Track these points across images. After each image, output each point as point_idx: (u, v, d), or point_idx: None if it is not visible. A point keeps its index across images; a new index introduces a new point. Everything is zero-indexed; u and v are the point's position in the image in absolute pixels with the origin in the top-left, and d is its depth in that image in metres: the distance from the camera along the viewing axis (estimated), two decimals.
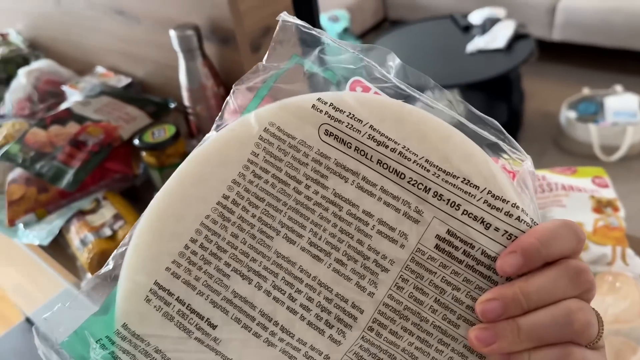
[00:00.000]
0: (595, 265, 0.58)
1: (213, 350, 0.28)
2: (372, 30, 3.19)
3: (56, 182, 0.79)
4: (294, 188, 0.29)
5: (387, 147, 0.28)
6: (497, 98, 2.23)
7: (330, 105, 0.29)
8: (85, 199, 0.81)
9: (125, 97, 0.94)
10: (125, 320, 0.29)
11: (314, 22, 0.98)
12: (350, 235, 0.28)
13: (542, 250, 0.25)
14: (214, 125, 0.32)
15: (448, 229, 0.27)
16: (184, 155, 0.43)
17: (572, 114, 2.17)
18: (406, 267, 0.27)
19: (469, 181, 0.27)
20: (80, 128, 0.85)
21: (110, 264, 0.30)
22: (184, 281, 0.29)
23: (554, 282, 0.25)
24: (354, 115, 0.29)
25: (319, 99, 0.29)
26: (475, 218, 0.27)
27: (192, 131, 0.87)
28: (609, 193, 0.65)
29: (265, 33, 0.80)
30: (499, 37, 2.17)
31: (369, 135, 0.28)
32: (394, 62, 0.31)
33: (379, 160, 0.28)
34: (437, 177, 0.27)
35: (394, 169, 0.28)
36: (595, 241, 0.59)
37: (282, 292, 0.28)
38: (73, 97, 0.99)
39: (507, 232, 0.26)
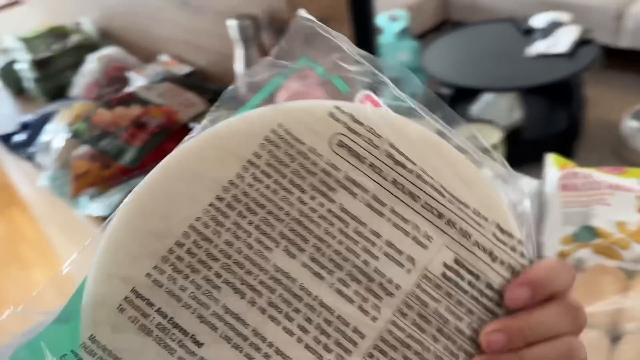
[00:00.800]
0: (637, 264, 0.57)
1: None
2: (432, 31, 3.17)
3: (118, 159, 0.84)
4: (297, 197, 0.26)
5: (404, 167, 0.27)
6: (557, 104, 2.18)
7: (349, 115, 0.28)
8: (143, 176, 0.86)
9: (186, 84, 0.99)
10: (93, 331, 0.25)
11: (369, 17, 1.00)
12: (356, 255, 0.26)
13: (547, 285, 0.26)
14: (209, 117, 0.29)
15: (456, 258, 0.26)
16: None
17: (635, 124, 2.09)
18: (411, 293, 0.26)
19: (479, 212, 0.27)
20: (143, 110, 0.90)
21: (68, 267, 0.27)
22: (167, 291, 0.25)
23: (557, 317, 0.26)
24: (374, 130, 0.27)
25: (337, 107, 0.28)
26: (484, 249, 0.27)
27: None
28: None
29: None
30: (561, 41, 2.12)
31: (387, 153, 0.27)
32: (412, 81, 0.30)
33: (394, 179, 0.27)
34: (451, 204, 0.27)
35: (408, 190, 0.27)
36: (638, 240, 0.58)
37: (279, 310, 0.25)
38: (137, 82, 1.05)
39: (510, 265, 0.27)
